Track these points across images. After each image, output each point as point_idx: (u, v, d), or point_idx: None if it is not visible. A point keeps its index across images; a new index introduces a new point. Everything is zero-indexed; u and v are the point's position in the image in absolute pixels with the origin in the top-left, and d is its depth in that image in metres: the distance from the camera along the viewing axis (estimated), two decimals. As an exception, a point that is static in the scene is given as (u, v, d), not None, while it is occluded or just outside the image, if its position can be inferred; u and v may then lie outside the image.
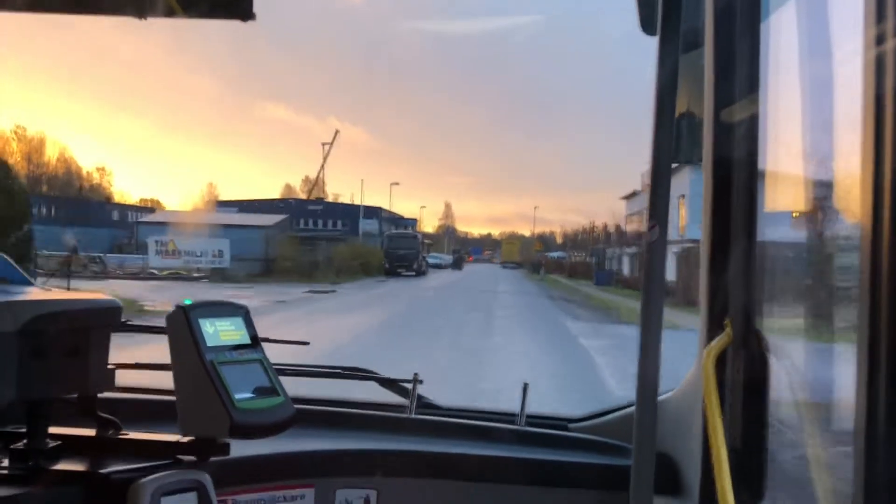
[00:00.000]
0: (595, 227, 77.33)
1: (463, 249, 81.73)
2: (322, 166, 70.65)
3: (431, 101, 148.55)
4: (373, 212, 73.43)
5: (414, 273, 50.74)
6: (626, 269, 46.20)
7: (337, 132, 68.99)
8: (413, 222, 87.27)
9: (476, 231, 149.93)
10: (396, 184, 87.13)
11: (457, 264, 73.15)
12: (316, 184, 75.61)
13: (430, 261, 69.70)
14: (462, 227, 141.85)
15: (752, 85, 1.57)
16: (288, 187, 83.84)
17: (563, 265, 68.93)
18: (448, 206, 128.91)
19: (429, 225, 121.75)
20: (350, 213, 70.75)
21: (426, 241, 63.44)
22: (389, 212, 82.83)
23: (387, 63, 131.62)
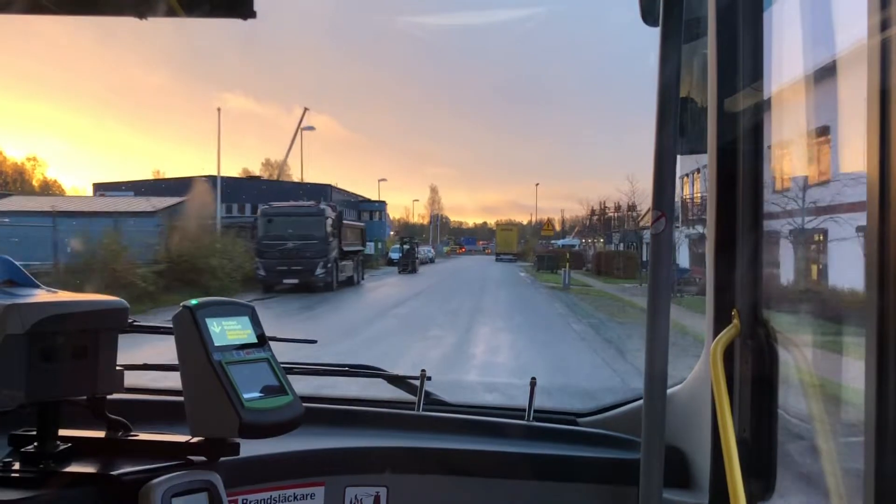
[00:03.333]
0: (606, 207, 57.58)
1: (415, 238, 53.66)
2: (290, 146, 57.35)
3: (414, 92, 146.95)
4: (318, 190, 50.80)
5: (321, 286, 26.10)
6: (684, 260, 25.08)
7: (305, 110, 56.63)
8: (381, 206, 67.14)
9: (471, 221, 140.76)
10: (311, 128, 60.09)
11: (406, 264, 44.54)
12: (282, 168, 61.29)
13: (394, 257, 50.91)
14: (456, 218, 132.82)
15: (756, 74, 1.56)
16: (245, 172, 68.98)
17: (581, 257, 49.70)
18: (434, 191, 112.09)
19: (415, 214, 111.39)
20: (295, 195, 48.15)
21: (347, 221, 33.16)
22: (346, 192, 60.53)
23: (366, 55, 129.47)
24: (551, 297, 26.69)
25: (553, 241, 60.17)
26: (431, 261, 64.86)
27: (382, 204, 71.49)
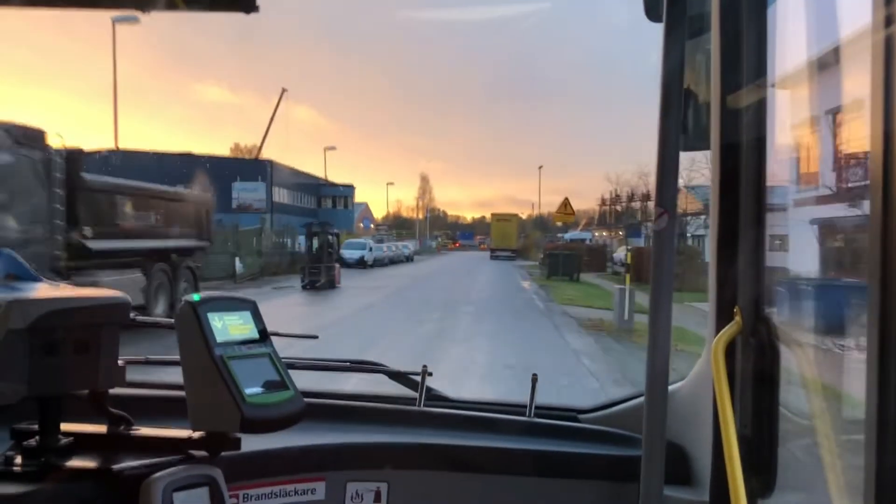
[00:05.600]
0: (618, 196, 44.88)
1: (332, 227, 29.55)
2: (267, 129, 47.78)
3: (408, 87, 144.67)
4: (256, 169, 41.24)
5: None
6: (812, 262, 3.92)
7: (284, 91, 48.43)
8: (348, 191, 56.40)
9: (469, 215, 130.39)
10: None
11: (314, 274, 25.87)
12: (259, 152, 50.46)
13: (346, 254, 37.11)
14: (454, 212, 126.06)
15: (760, 70, 1.56)
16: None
17: (601, 254, 37.25)
18: (425, 180, 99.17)
19: (405, 208, 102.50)
20: (225, 174, 37.96)
21: (127, 182, 15.53)
22: (300, 172, 50.30)
23: (360, 49, 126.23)
24: (610, 364, 11.83)
25: (560, 235, 48.66)
26: (409, 259, 52.75)
27: (349, 189, 57.12)
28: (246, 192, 39.67)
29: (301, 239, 33.19)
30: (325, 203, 54.79)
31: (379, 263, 42.81)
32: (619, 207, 46.52)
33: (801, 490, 1.60)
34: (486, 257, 59.86)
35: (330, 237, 27.46)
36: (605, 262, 35.95)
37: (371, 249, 42.43)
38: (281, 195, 47.16)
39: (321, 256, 26.62)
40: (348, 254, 38.85)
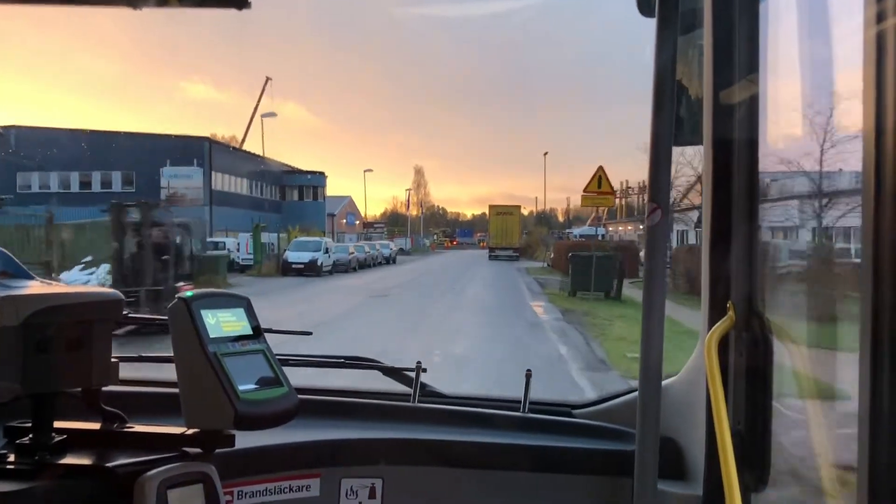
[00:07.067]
0: (629, 188, 37.67)
1: (145, 205, 14.37)
2: (251, 118, 43.86)
3: (405, 84, 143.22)
4: (192, 150, 33.27)
5: None
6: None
7: (268, 80, 45.59)
8: (319, 180, 47.42)
9: (469, 212, 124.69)
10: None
11: (132, 304, 6.19)
12: (242, 143, 45.94)
13: (292, 256, 30.52)
14: (454, 209, 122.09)
15: (752, 65, 1.56)
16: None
17: (631, 253, 25.47)
18: (419, 173, 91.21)
19: (403, 205, 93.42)
20: (150, 157, 31.53)
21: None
22: (254, 156, 41.80)
23: (345, 42, 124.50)
24: None
25: (567, 231, 41.67)
26: (389, 260, 44.74)
27: (320, 177, 47.65)
28: (178, 180, 30.56)
29: (243, 238, 23.46)
30: (291, 194, 46.62)
31: (341, 268, 33.71)
32: (626, 200, 38.88)
33: (794, 484, 1.61)
34: (484, 256, 51.62)
35: (160, 232, 14.83)
36: (637, 265, 23.71)
37: (328, 251, 32.78)
38: (235, 184, 39.13)
39: (141, 270, 14.14)
40: (295, 256, 30.64)
